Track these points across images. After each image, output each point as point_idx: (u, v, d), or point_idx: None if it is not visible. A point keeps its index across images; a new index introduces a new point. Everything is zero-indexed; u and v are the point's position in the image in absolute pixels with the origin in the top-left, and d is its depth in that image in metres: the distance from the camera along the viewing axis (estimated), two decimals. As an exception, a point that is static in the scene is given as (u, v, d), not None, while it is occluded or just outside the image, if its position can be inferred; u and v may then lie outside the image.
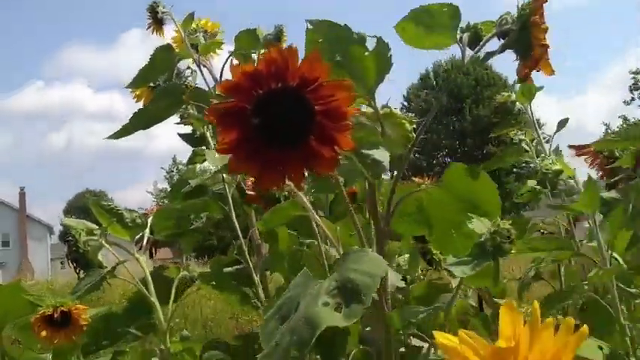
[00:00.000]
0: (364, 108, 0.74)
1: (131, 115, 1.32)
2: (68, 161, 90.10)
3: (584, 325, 0.52)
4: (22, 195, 39.79)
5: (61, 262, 38.38)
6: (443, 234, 0.79)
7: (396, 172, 0.78)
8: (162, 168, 30.07)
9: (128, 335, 1.21)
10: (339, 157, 0.57)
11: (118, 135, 1.34)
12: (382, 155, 0.70)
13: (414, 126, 0.74)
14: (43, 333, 0.93)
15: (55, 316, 0.93)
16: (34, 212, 40.89)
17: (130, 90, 1.51)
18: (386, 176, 0.83)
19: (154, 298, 1.11)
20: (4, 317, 1.04)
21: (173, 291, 1.19)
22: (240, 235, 1.32)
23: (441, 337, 0.52)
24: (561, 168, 1.09)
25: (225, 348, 1.29)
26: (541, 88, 1.39)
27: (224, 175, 1.32)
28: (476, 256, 0.74)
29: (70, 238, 1.08)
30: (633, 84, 29.01)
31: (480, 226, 0.76)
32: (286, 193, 1.01)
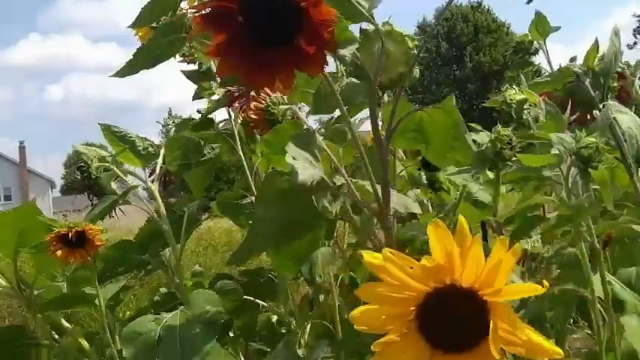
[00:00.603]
0: (365, 26, 0.76)
1: (135, 52, 1.32)
2: (67, 114, 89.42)
3: (517, 244, 0.52)
4: (21, 149, 39.77)
5: (64, 215, 38.64)
6: (442, 147, 0.82)
7: (397, 90, 0.81)
8: (157, 122, 29.87)
9: (142, 265, 1.25)
10: (326, 56, 0.59)
11: (123, 72, 1.33)
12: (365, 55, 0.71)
13: (416, 43, 0.76)
14: (59, 252, 0.96)
15: (70, 235, 0.96)
16: (35, 167, 40.89)
17: (135, 32, 1.49)
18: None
19: (167, 227, 1.14)
20: (19, 241, 1.06)
21: (185, 221, 1.21)
22: (247, 170, 1.33)
23: (368, 256, 0.53)
24: (526, 97, 1.09)
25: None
26: (557, 28, 1.38)
27: (230, 110, 1.34)
28: (476, 164, 0.78)
29: (82, 164, 1.11)
30: (637, 27, 28.47)
31: (481, 136, 0.79)
32: (289, 117, 1.04)
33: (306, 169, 0.67)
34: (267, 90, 1.05)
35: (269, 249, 0.84)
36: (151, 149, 1.18)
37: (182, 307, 1.04)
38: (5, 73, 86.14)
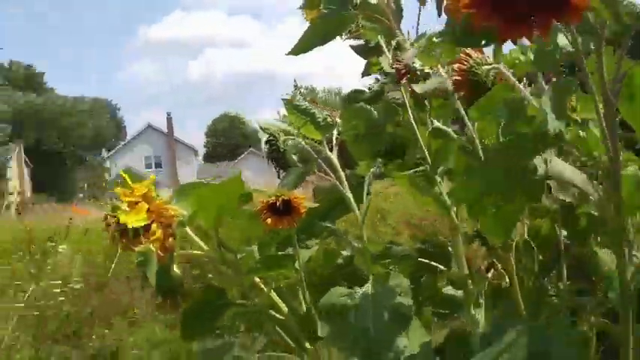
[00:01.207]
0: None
1: (305, 31, 1.36)
2: (205, 86, 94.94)
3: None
4: (169, 120, 43.00)
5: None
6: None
7: (623, 42, 0.75)
8: (284, 98, 30.53)
9: (325, 230, 1.31)
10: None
11: (297, 51, 1.38)
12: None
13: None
14: (269, 220, 1.05)
15: (278, 204, 1.05)
16: (180, 136, 44.06)
17: (303, 11, 1.54)
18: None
19: (349, 195, 1.19)
20: (222, 210, 1.14)
21: (365, 187, 1.24)
22: (420, 140, 1.33)
23: None
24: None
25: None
26: None
27: (401, 82, 1.36)
28: None
29: (271, 138, 1.19)
30: None
31: None
32: (492, 77, 1.01)
33: (553, 120, 0.67)
34: (469, 51, 1.04)
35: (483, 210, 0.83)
36: (329, 120, 1.24)
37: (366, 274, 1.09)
38: (153, 49, 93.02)
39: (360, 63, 1.56)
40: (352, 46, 1.47)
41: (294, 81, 30.46)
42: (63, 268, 6.54)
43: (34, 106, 43.07)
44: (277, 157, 1.22)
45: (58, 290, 5.96)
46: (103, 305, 5.85)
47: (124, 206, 0.85)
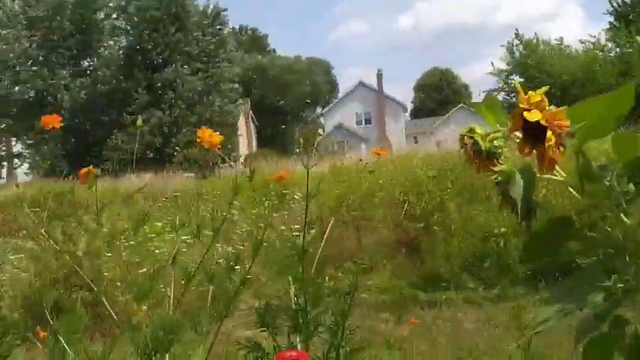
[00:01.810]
0: None
1: None
2: (415, 41, 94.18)
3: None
4: (379, 76, 43.74)
5: (414, 138, 41.59)
6: None
7: None
8: (502, 45, 28.64)
9: None
10: None
11: None
12: None
13: None
14: None
15: None
16: (390, 92, 44.57)
17: None
18: None
19: None
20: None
21: None
22: None
23: None
24: None
25: None
26: None
27: None
28: None
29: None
30: None
31: None
32: None
33: None
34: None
35: None
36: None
37: None
38: (363, 6, 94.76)
39: None
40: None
41: (516, 30, 28.17)
42: (298, 213, 7.09)
43: (259, 67, 47.02)
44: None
45: (296, 234, 6.51)
46: (333, 249, 6.24)
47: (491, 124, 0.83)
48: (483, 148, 0.86)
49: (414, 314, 5.35)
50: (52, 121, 1.35)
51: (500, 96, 27.94)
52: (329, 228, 1.94)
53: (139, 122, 1.65)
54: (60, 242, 5.67)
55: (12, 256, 6.21)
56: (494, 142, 0.94)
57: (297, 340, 1.65)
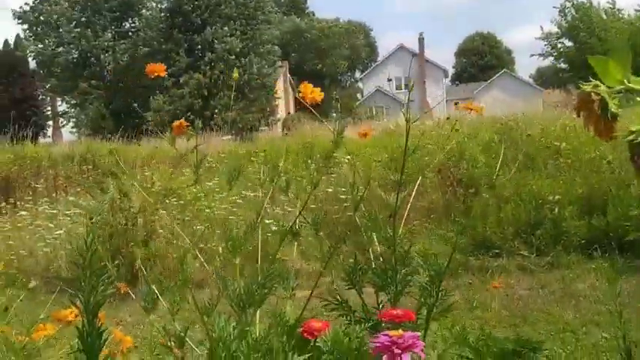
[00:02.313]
0: None
1: None
2: (457, 5, 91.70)
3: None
4: (420, 40, 42.86)
5: (455, 104, 40.82)
6: None
7: None
8: (555, 7, 27.55)
9: None
10: None
11: None
12: None
13: None
14: None
15: None
16: (430, 57, 43.68)
17: None
18: None
19: None
20: None
21: None
22: None
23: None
24: None
25: None
26: None
27: None
28: None
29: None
30: None
31: None
32: None
33: None
34: None
35: None
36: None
37: None
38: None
39: None
40: None
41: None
42: (345, 177, 7.05)
43: (298, 30, 46.52)
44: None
45: (343, 197, 6.49)
46: (382, 213, 6.20)
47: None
48: (611, 107, 0.79)
49: (464, 280, 5.31)
50: (157, 70, 1.33)
51: (549, 61, 27.06)
52: (416, 186, 1.89)
53: (235, 74, 1.60)
54: (116, 199, 5.75)
55: (68, 212, 6.38)
56: (615, 101, 0.87)
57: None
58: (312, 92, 1.41)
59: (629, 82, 0.87)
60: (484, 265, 5.65)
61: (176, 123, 1.53)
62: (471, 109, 1.68)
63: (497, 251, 5.90)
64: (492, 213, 6.13)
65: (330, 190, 6.69)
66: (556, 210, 5.88)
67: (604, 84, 0.86)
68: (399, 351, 1.12)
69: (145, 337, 3.99)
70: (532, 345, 1.55)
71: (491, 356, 1.49)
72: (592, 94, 0.89)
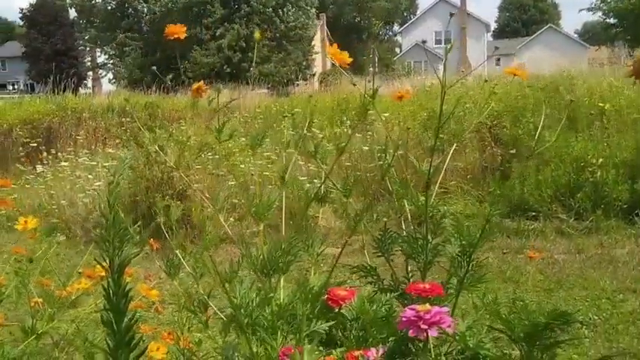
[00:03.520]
0: None
1: None
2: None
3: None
4: (462, -8, 41.34)
5: (497, 60, 39.62)
6: None
7: None
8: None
9: None
10: None
11: None
12: None
13: None
14: None
15: None
16: (472, 10, 42.21)
17: None
18: None
19: None
20: None
21: None
22: None
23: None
24: None
25: None
26: None
27: None
28: None
29: None
30: None
31: None
32: None
33: None
34: None
35: None
36: None
37: None
38: None
39: None
40: None
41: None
42: (380, 135, 6.95)
43: (336, -19, 45.43)
44: None
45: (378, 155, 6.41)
46: (417, 174, 6.11)
47: None
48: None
49: (499, 243, 5.22)
50: (177, 31, 1.27)
51: (597, 15, 25.86)
52: (451, 151, 1.82)
53: (257, 34, 1.53)
54: (152, 152, 5.79)
55: (106, 164, 6.49)
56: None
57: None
58: (341, 53, 1.34)
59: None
60: (520, 227, 5.54)
61: (194, 86, 1.48)
62: (515, 74, 1.57)
63: (534, 214, 5.77)
64: (532, 174, 5.97)
65: (366, 147, 6.61)
66: (598, 173, 5.68)
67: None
68: (426, 326, 1.08)
69: (174, 295, 4.06)
70: (566, 318, 1.49)
71: (523, 330, 1.44)
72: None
